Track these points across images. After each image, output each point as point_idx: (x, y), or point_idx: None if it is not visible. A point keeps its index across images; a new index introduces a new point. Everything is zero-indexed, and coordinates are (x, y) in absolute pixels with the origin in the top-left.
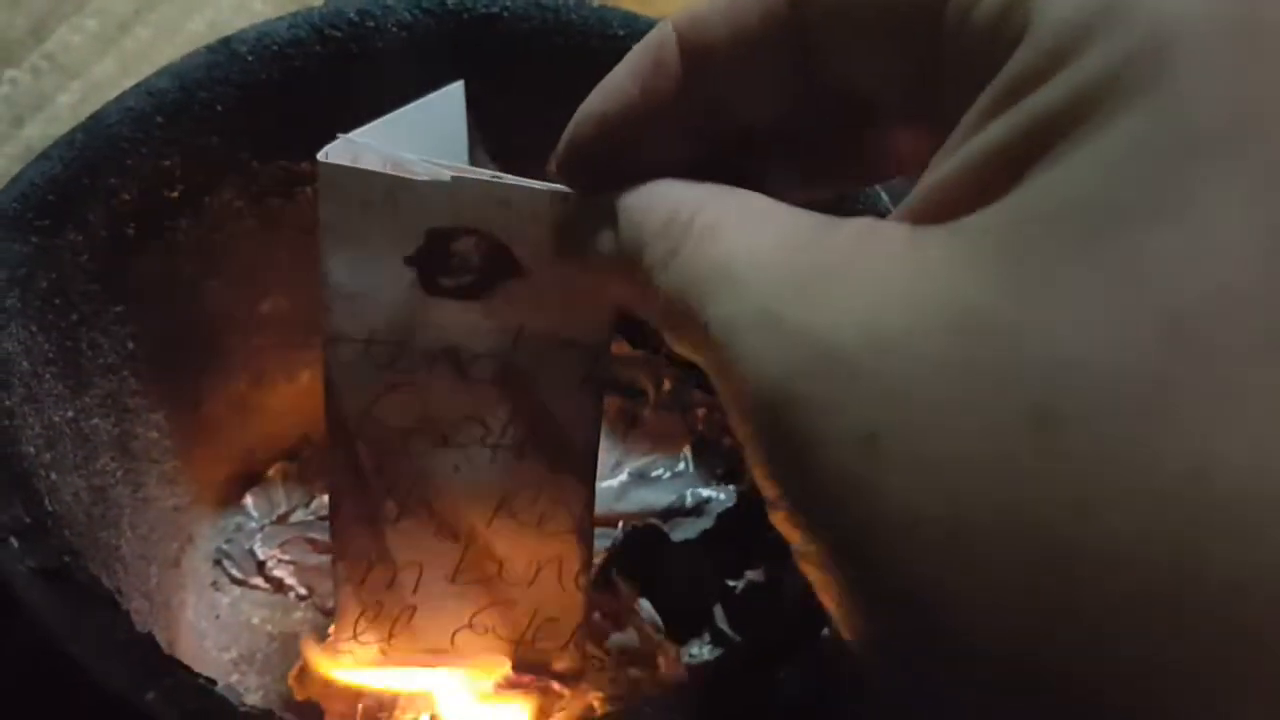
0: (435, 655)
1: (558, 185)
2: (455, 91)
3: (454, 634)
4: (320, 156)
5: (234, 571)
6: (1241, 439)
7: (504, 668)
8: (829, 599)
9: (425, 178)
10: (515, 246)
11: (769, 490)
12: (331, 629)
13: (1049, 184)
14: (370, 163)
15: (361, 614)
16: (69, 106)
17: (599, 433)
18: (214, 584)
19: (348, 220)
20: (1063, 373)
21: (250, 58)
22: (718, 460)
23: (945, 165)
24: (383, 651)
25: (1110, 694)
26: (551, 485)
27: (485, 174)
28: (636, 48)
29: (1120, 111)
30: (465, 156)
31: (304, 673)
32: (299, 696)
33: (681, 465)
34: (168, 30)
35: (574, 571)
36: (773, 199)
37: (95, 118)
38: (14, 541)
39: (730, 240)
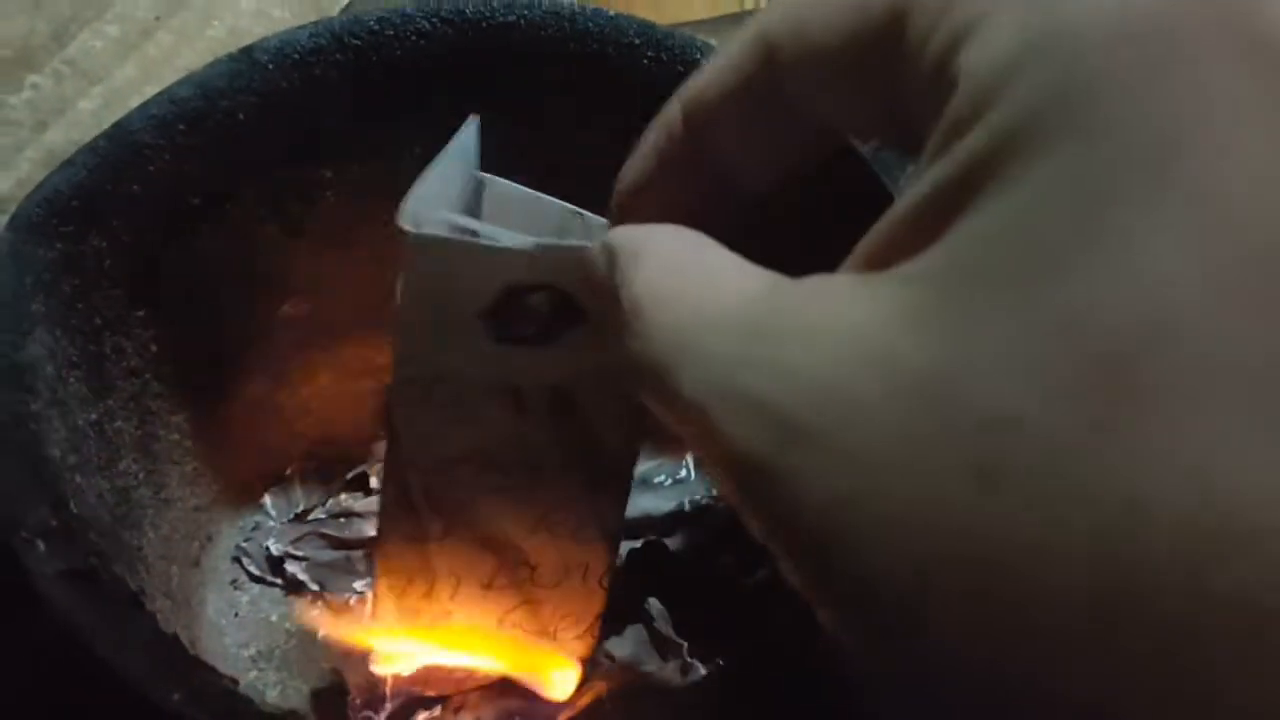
0: (464, 650)
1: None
2: (471, 127)
3: (483, 633)
4: (401, 222)
5: (253, 569)
6: (1177, 474)
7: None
8: (821, 616)
9: (511, 244)
10: (582, 297)
11: (758, 537)
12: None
13: (972, 230)
14: (448, 229)
15: (399, 620)
16: (90, 112)
17: (638, 454)
18: (233, 582)
19: (429, 283)
20: (996, 427)
21: (271, 66)
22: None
23: (890, 211)
24: (417, 650)
25: (1068, 700)
26: (588, 502)
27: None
28: (654, 122)
29: (1040, 153)
30: (473, 187)
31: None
32: (325, 664)
33: (683, 472)
34: (188, 36)
35: (599, 574)
36: (735, 258)
37: (119, 125)
38: (41, 544)
39: (688, 310)
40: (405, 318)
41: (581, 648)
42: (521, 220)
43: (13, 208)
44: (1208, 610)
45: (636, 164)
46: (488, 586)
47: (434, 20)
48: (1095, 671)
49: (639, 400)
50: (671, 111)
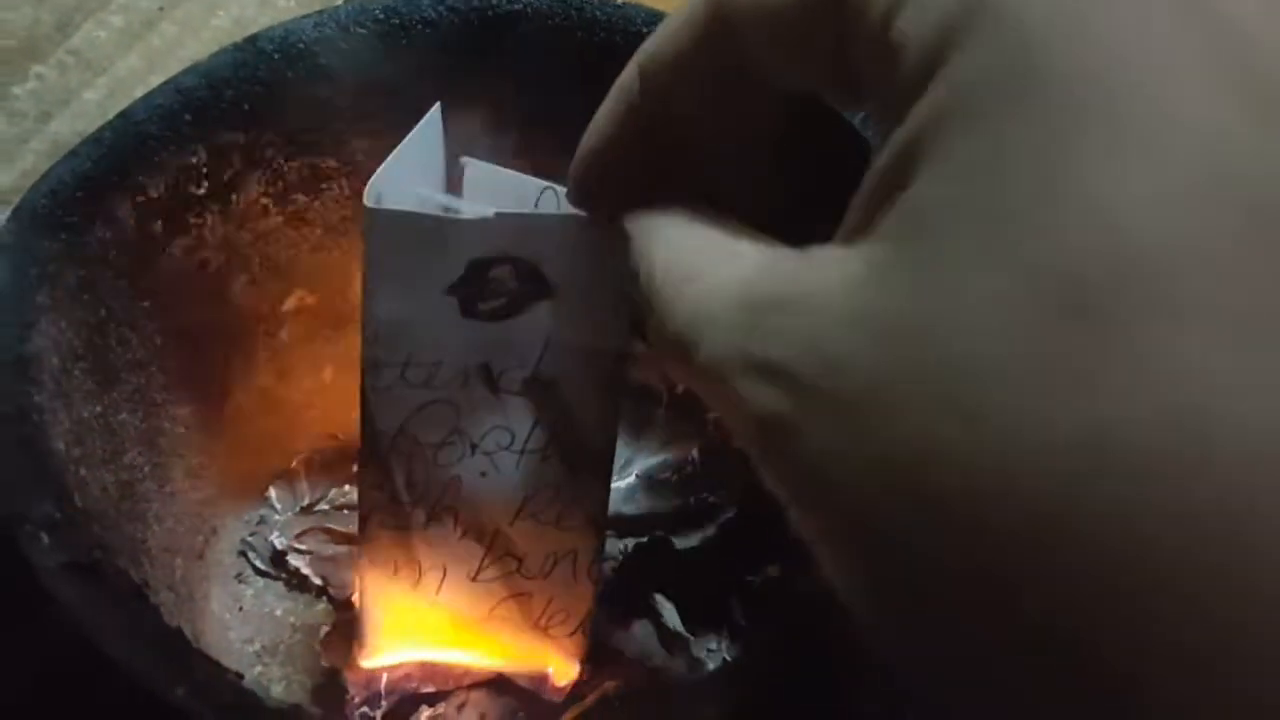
0: (454, 648)
1: (580, 212)
2: (434, 118)
3: (473, 627)
4: (366, 200)
5: (257, 563)
6: (1143, 401)
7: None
8: (830, 566)
9: (470, 215)
10: (546, 268)
11: (776, 491)
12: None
13: (933, 186)
14: (414, 204)
15: (386, 615)
16: (95, 102)
17: (616, 433)
18: (238, 576)
19: (393, 259)
20: (969, 370)
21: (276, 56)
22: (726, 464)
23: (865, 178)
24: (406, 645)
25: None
26: (570, 485)
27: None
28: (614, 86)
29: (989, 108)
30: (442, 173)
31: (331, 640)
32: (325, 662)
33: (690, 469)
34: (192, 27)
35: (587, 563)
36: (741, 234)
37: (123, 115)
38: (44, 537)
39: (701, 286)
40: (372, 297)
41: (574, 646)
42: (500, 198)
43: (17, 199)
44: (1171, 529)
45: (597, 127)
46: (474, 578)
47: (440, 8)
48: (1057, 593)
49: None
50: (629, 74)
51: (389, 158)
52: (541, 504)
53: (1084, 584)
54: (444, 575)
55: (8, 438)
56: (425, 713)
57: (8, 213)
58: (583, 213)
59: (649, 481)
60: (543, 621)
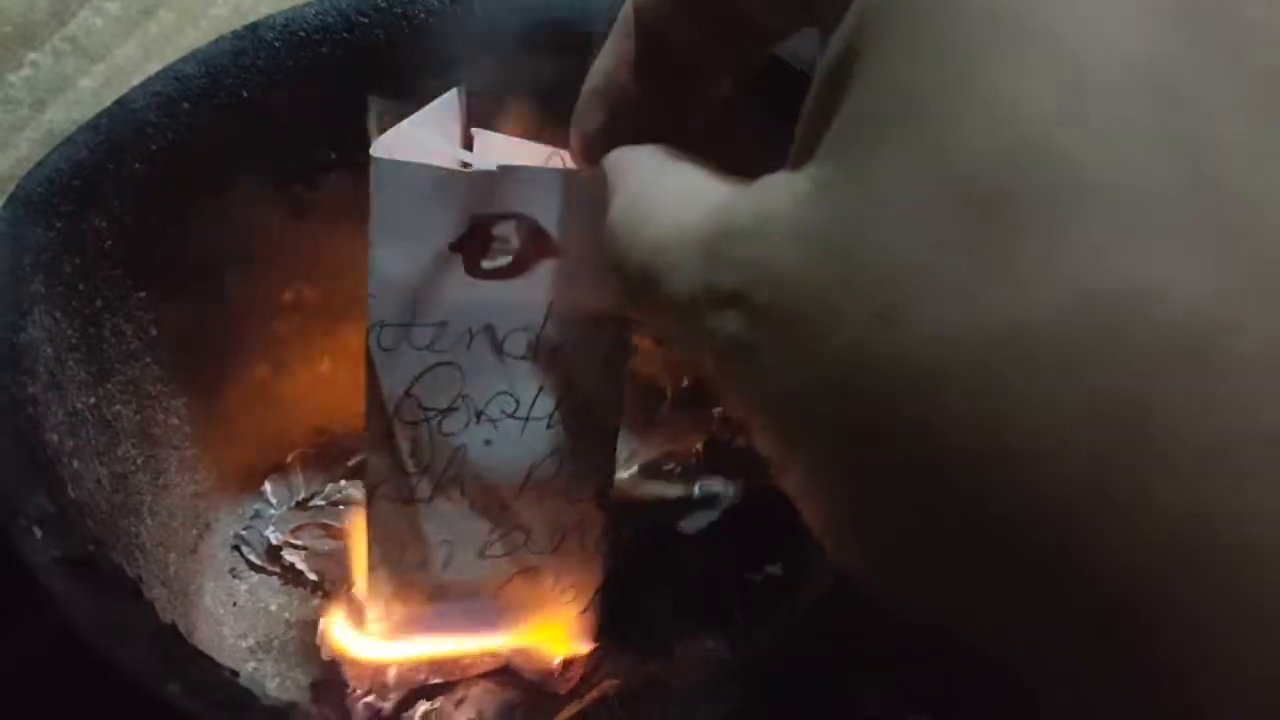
0: (463, 629)
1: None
2: (451, 98)
3: (481, 606)
4: (373, 151)
5: (252, 558)
6: (1051, 289)
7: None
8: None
9: (474, 168)
10: (551, 227)
11: (746, 423)
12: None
13: (853, 103)
14: (421, 155)
15: (394, 594)
16: (91, 90)
17: (622, 402)
18: (232, 570)
19: (398, 211)
20: (889, 275)
21: (277, 44)
22: (730, 459)
23: (807, 100)
24: (411, 628)
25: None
26: (576, 455)
27: (539, 159)
28: (612, 29)
29: (899, 20)
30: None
31: (329, 631)
32: (324, 655)
33: (693, 461)
34: (191, 14)
35: (595, 536)
36: (703, 170)
37: (121, 102)
38: (38, 530)
39: (661, 226)
40: (377, 253)
41: (585, 625)
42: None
43: (12, 187)
44: (1089, 413)
45: (598, 65)
46: (481, 554)
47: None
48: (993, 491)
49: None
50: (626, 12)
51: (402, 121)
52: (548, 474)
53: (1016, 480)
54: (451, 551)
55: (0, 429)
56: (422, 707)
57: (2, 201)
58: (586, 167)
59: (653, 471)
60: (552, 598)
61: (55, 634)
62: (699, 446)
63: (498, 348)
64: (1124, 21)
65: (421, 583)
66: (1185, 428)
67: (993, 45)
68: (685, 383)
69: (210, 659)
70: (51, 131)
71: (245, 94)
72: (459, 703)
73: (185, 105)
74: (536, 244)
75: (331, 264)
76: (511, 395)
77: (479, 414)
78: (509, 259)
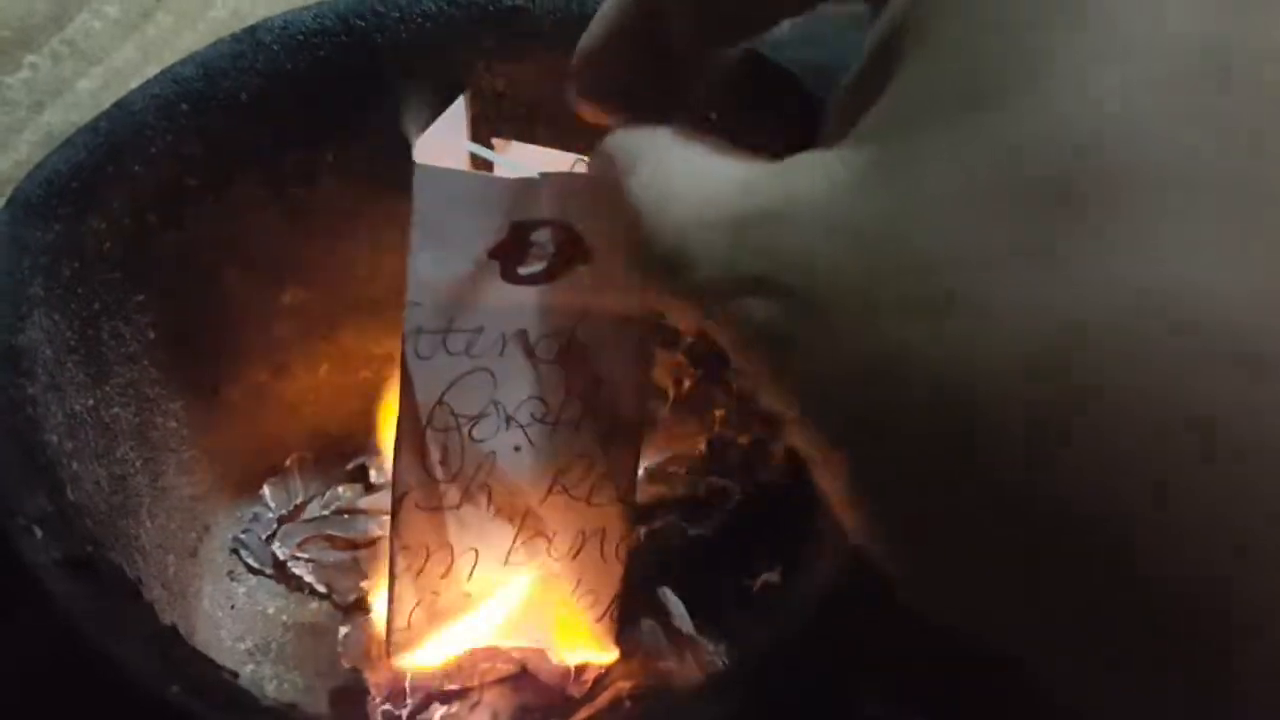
0: (483, 636)
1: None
2: (459, 107)
3: (503, 613)
4: (416, 158)
5: (250, 561)
6: (1112, 286)
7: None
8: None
9: (516, 175)
10: (586, 233)
11: (780, 412)
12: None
13: (904, 82)
14: (462, 162)
15: (418, 604)
16: (90, 93)
17: (645, 403)
18: (230, 573)
19: (439, 218)
20: (940, 265)
21: (275, 47)
22: (733, 458)
23: (844, 77)
24: (434, 636)
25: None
26: (602, 458)
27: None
28: None
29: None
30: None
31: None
32: (345, 663)
33: (697, 463)
34: (189, 17)
35: (615, 542)
36: (722, 151)
37: (120, 104)
38: (38, 531)
39: (686, 207)
40: (417, 260)
41: (603, 631)
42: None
43: (10, 189)
44: (1145, 414)
45: (593, 26)
46: (505, 561)
47: (439, 2)
48: (1045, 489)
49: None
50: None
51: (432, 125)
52: (574, 479)
53: (1072, 479)
54: (476, 559)
55: (0, 430)
56: (439, 711)
57: (1, 203)
58: None
59: (657, 473)
60: (571, 604)
61: (55, 633)
62: (701, 448)
63: (530, 352)
64: (1199, 10)
65: (446, 591)
66: (1243, 432)
67: (1058, 30)
68: (686, 385)
69: (210, 660)
70: (50, 133)
71: (244, 96)
72: (474, 706)
73: (184, 107)
74: (571, 249)
75: (328, 267)
76: (541, 400)
77: (509, 419)
78: (544, 264)
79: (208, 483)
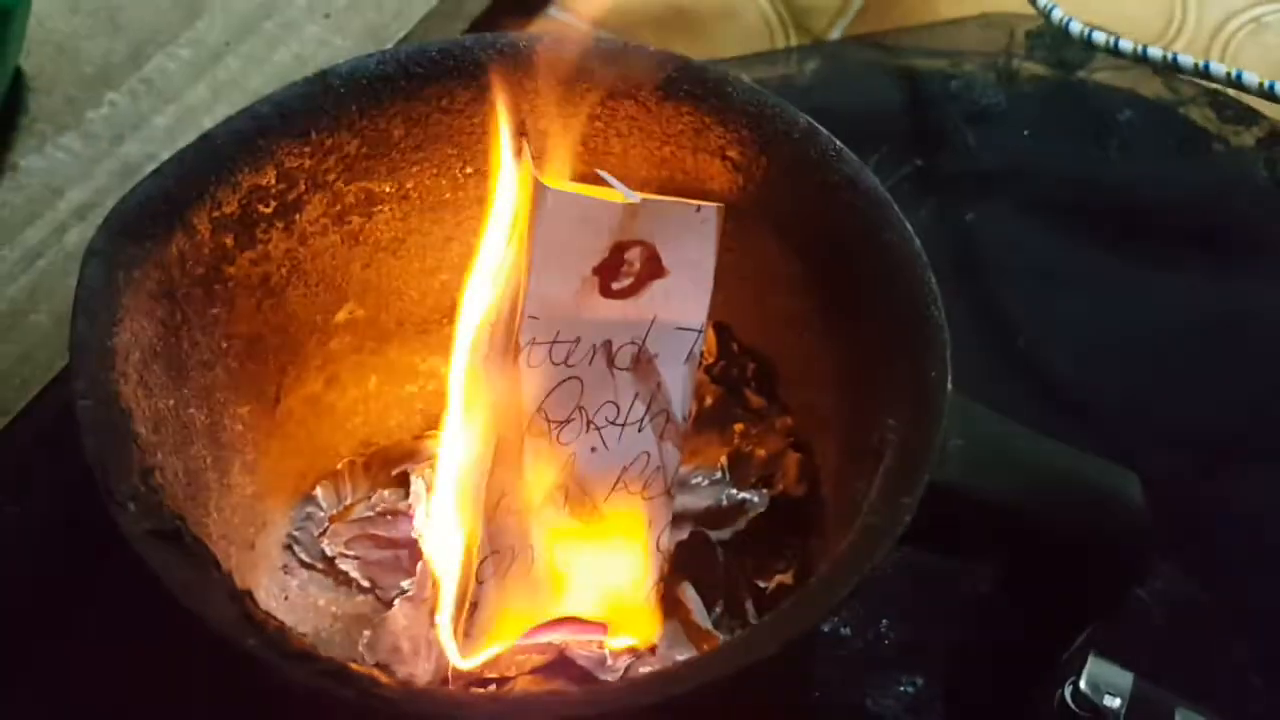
0: (550, 630)
1: (706, 203)
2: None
3: (567, 606)
4: (544, 182)
5: (303, 556)
6: None
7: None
8: None
9: (626, 199)
10: (665, 251)
11: None
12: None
13: None
14: (578, 187)
15: (503, 602)
16: (164, 128)
17: (691, 401)
18: (284, 567)
19: (559, 238)
20: None
21: (342, 90)
22: (752, 471)
23: None
24: (512, 636)
25: None
26: (657, 454)
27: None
28: None
29: None
30: None
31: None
32: (369, 659)
33: (718, 474)
34: (256, 61)
35: (658, 531)
36: None
37: (205, 136)
38: (131, 506)
39: None
40: (537, 276)
41: (647, 612)
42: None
43: (90, 214)
44: None
45: None
46: (575, 556)
47: (489, 51)
48: None
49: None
50: None
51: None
52: (633, 476)
53: None
54: (550, 555)
55: (99, 420)
56: None
57: (82, 227)
58: (704, 204)
59: (682, 487)
60: (621, 587)
61: (145, 595)
62: (723, 460)
63: (610, 360)
64: None
65: (527, 592)
66: None
67: None
68: (708, 401)
69: (278, 619)
70: (127, 165)
71: (313, 134)
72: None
73: (260, 142)
74: (651, 266)
75: (380, 288)
76: (615, 403)
77: (589, 423)
78: (630, 280)
79: (267, 482)
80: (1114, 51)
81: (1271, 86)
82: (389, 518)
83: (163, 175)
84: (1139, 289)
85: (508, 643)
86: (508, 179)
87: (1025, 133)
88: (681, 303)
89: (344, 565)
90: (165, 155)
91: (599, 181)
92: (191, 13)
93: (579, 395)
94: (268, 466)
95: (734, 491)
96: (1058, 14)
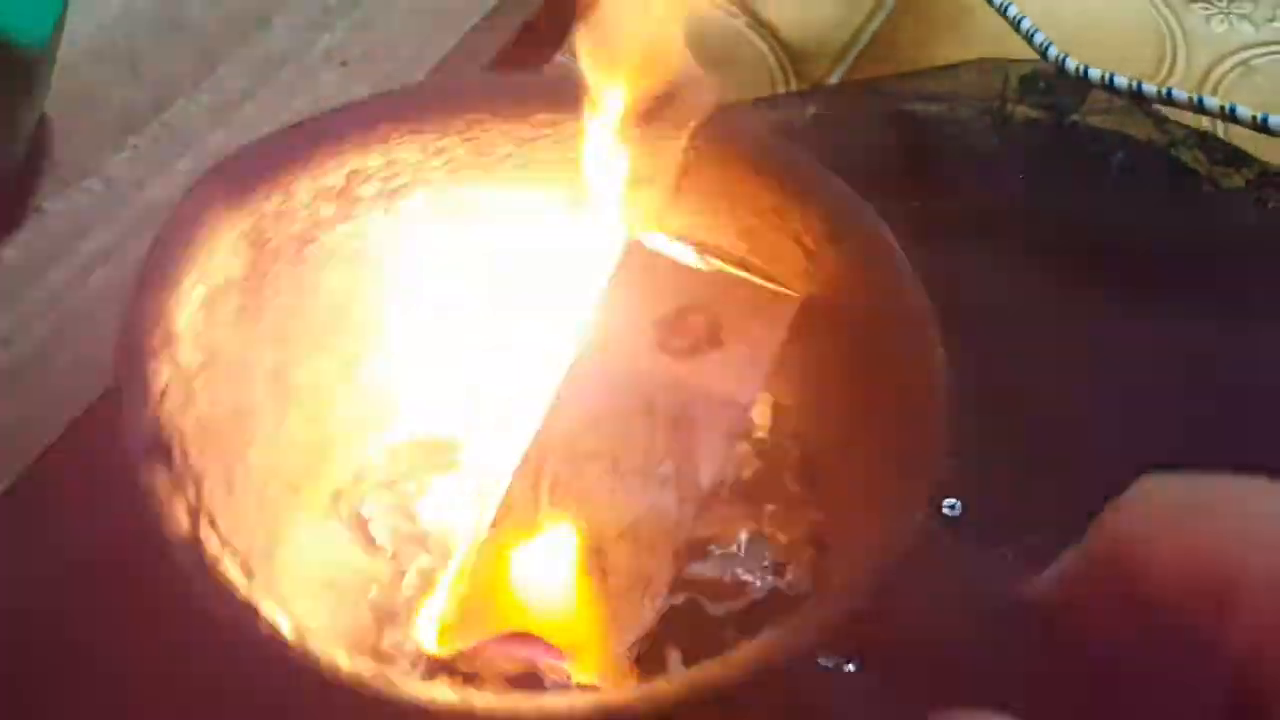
0: (519, 643)
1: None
2: None
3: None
4: (630, 236)
5: (344, 510)
6: None
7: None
8: None
9: (698, 264)
10: (729, 324)
11: None
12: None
13: None
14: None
15: (478, 604)
16: (185, 173)
17: (723, 474)
18: (326, 515)
19: (633, 289)
20: None
21: (457, 97)
22: (767, 554)
23: None
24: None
25: None
26: (672, 515)
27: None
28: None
29: None
30: None
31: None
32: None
33: (733, 548)
34: (274, 108)
35: (655, 589)
36: None
37: (319, 116)
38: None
39: None
40: (604, 321)
41: (621, 664)
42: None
43: (112, 256)
44: None
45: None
46: (567, 585)
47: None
48: None
49: None
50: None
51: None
52: (645, 529)
53: None
54: (541, 578)
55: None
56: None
57: (108, 273)
58: (782, 290)
59: (695, 550)
60: (601, 633)
61: None
62: (743, 536)
63: (650, 413)
64: None
65: (505, 599)
66: None
67: None
68: (745, 475)
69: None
70: (149, 208)
71: (425, 131)
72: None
73: (375, 129)
74: (711, 335)
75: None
76: (643, 453)
77: (615, 464)
78: (688, 344)
79: (327, 436)
80: (1109, 87)
81: (1265, 120)
82: (429, 499)
83: (271, 141)
84: (1131, 328)
85: (477, 639)
86: (592, 217)
87: (1020, 175)
88: (735, 378)
89: (375, 530)
90: None
91: (680, 238)
92: (211, 62)
93: (611, 436)
94: (332, 423)
95: (740, 571)
96: (1053, 52)
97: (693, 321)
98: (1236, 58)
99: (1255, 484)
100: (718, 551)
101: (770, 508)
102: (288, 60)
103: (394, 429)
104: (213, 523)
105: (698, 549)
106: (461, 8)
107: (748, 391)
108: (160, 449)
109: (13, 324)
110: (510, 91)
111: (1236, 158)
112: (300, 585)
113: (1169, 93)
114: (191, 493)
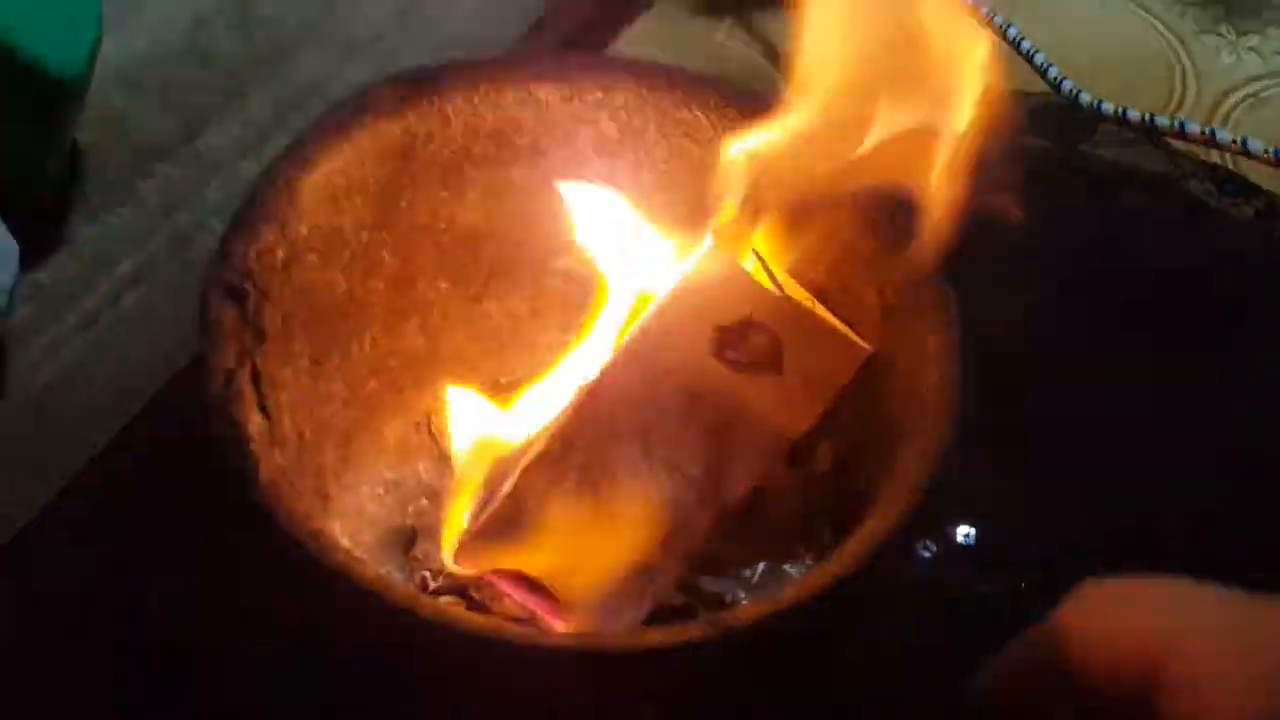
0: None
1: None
2: None
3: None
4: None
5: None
6: None
7: None
8: None
9: (763, 286)
10: (790, 354)
11: None
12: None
13: None
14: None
15: (506, 531)
16: (214, 200)
17: (745, 501)
18: (400, 451)
19: (704, 290)
20: None
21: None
22: (779, 586)
23: None
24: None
25: None
26: (694, 517)
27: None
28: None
29: None
30: None
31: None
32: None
33: (748, 573)
34: None
35: (658, 581)
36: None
37: (428, 67)
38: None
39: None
40: (668, 308)
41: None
42: None
43: (142, 281)
44: None
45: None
46: (578, 540)
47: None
48: None
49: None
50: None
51: None
52: (661, 520)
53: None
54: (554, 536)
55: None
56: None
57: (141, 292)
58: (857, 341)
59: (707, 564)
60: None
61: None
62: (760, 566)
63: (693, 412)
64: None
65: (532, 539)
66: None
67: None
68: (792, 505)
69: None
70: (177, 235)
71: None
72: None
73: (483, 87)
74: (771, 358)
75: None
76: (680, 453)
77: (649, 453)
78: (745, 359)
79: (428, 370)
80: (1122, 120)
81: (1277, 153)
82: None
83: (366, 94)
84: (1142, 360)
85: (489, 568)
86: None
87: (1031, 207)
88: (788, 407)
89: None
90: (216, 225)
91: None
92: (241, 91)
93: (648, 425)
94: (447, 344)
95: (742, 596)
96: (1068, 85)
97: (755, 339)
98: (1245, 90)
99: (1180, 583)
100: (735, 572)
101: (801, 552)
102: (316, 91)
103: (502, 366)
104: (257, 376)
105: (716, 563)
106: (486, 39)
107: (797, 424)
108: (237, 291)
109: (46, 347)
110: (666, 77)
111: (1246, 189)
112: (366, 474)
113: (1182, 126)
114: (250, 338)
